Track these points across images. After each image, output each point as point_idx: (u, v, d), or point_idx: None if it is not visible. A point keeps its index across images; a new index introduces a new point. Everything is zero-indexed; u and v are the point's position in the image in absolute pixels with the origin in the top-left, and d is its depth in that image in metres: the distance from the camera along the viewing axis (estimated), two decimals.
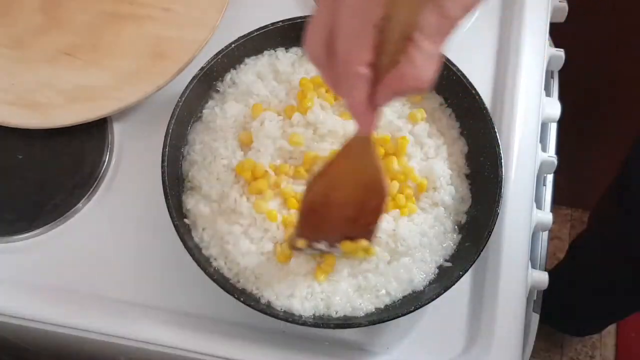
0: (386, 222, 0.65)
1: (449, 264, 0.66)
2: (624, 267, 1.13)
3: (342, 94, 0.49)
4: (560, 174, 0.82)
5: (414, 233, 0.66)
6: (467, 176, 0.71)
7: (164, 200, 0.64)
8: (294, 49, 0.74)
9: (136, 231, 0.71)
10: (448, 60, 0.71)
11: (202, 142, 0.70)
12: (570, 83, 0.91)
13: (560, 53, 0.83)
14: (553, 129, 0.84)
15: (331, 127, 0.68)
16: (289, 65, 0.73)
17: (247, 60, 0.73)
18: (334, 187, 0.58)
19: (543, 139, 0.80)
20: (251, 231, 0.65)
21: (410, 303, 0.63)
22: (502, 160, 0.67)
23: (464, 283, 0.69)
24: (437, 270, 0.67)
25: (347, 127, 0.68)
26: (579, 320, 1.46)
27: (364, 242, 0.62)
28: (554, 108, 0.80)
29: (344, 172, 0.56)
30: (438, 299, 0.62)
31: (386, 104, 0.47)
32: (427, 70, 0.44)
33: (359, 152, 0.54)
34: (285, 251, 0.64)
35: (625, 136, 1.08)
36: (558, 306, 1.29)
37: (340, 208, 0.59)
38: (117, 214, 0.72)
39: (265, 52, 0.74)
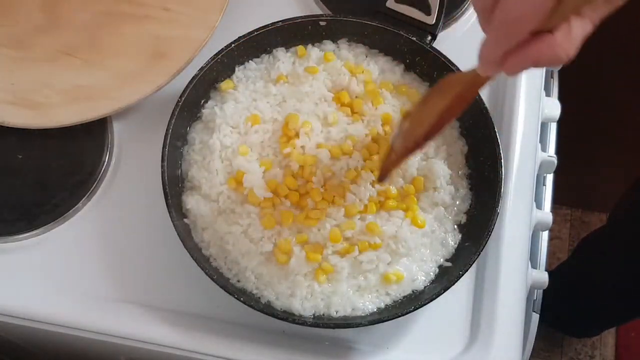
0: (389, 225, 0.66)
1: (449, 264, 0.66)
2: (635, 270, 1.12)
3: (489, 42, 0.45)
4: (560, 174, 0.82)
5: (414, 234, 0.66)
6: (467, 176, 0.71)
7: (164, 200, 0.64)
8: (294, 49, 0.74)
9: (136, 231, 0.71)
10: (448, 60, 0.71)
11: (202, 142, 0.70)
12: (570, 83, 0.91)
13: None
14: (553, 129, 0.84)
15: None
16: (289, 65, 0.73)
17: (247, 60, 0.73)
18: (420, 121, 0.55)
19: (543, 139, 0.80)
20: (251, 231, 0.65)
21: (410, 303, 0.63)
22: (502, 160, 0.67)
23: (464, 283, 0.69)
24: (437, 270, 0.67)
25: None
26: (580, 322, 1.46)
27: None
28: (554, 108, 0.80)
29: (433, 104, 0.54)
30: (438, 298, 0.62)
31: (519, 71, 0.45)
32: (574, 46, 0.43)
33: (459, 86, 0.52)
34: (284, 248, 0.64)
35: (625, 136, 1.08)
36: (559, 307, 1.28)
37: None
38: (117, 214, 0.72)
39: (265, 52, 0.74)
